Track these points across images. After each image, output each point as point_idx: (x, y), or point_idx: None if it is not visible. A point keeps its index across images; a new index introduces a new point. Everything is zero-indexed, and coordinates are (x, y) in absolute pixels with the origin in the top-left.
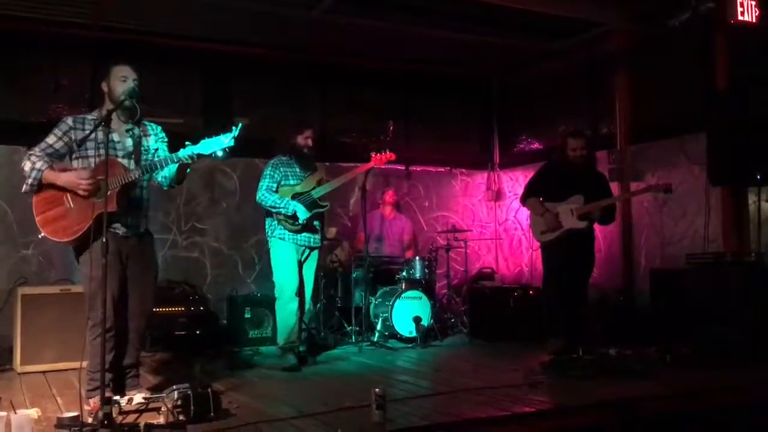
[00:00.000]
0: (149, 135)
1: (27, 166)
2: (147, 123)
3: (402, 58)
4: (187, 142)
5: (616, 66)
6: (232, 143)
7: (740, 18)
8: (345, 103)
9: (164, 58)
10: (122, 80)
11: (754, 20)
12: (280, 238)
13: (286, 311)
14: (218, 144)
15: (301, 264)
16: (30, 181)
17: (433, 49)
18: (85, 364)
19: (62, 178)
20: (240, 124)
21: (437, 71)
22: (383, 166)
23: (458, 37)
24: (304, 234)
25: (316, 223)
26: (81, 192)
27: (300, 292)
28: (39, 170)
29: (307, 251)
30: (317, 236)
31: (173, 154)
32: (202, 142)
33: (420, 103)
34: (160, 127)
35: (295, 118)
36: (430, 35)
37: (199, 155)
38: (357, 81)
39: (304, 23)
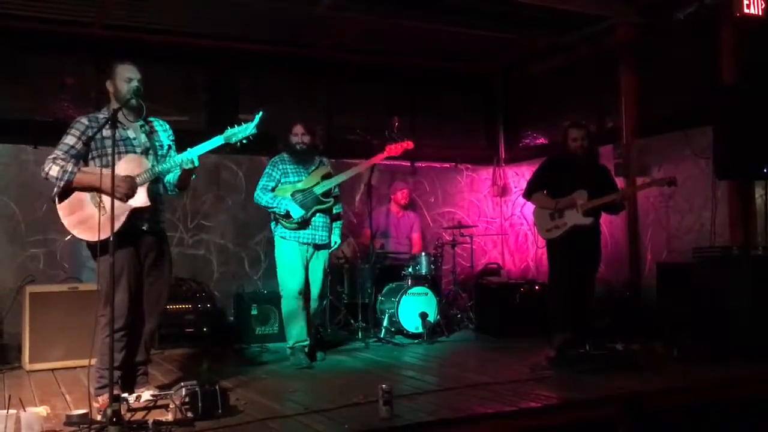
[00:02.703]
0: (157, 131)
1: (54, 170)
2: (154, 119)
3: (407, 54)
4: (219, 135)
5: (621, 60)
6: (255, 131)
7: (746, 11)
8: (350, 99)
9: (168, 56)
10: (127, 81)
11: (760, 13)
12: (282, 237)
13: (290, 310)
14: (243, 132)
15: (308, 262)
16: (62, 184)
17: (438, 45)
18: (94, 361)
19: (101, 182)
20: (261, 112)
21: (442, 67)
22: (389, 162)
23: (463, 32)
24: (306, 231)
25: (319, 220)
26: (118, 196)
27: (306, 290)
28: (71, 173)
29: (312, 249)
30: (323, 234)
31: (200, 146)
32: (227, 131)
33: (425, 99)
34: (167, 124)
35: (300, 114)
36: (435, 31)
37: (226, 144)
38: (362, 77)
39: (309, 19)
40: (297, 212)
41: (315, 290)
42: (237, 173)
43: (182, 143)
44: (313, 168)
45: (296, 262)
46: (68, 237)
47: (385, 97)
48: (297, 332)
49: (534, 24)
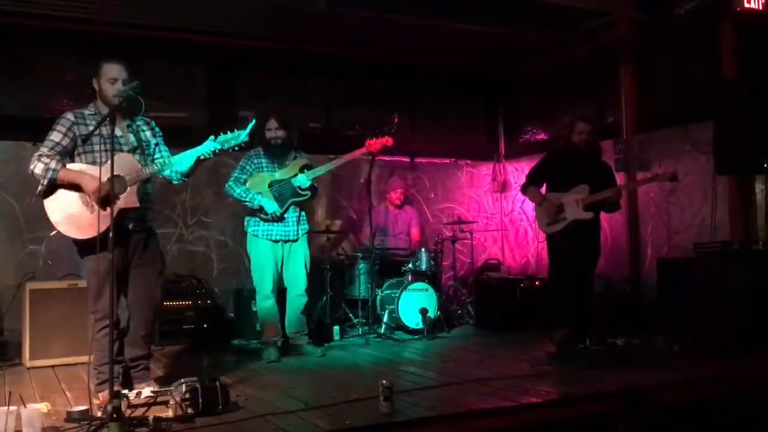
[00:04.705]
0: (143, 129)
1: (38, 168)
2: (139, 117)
3: (406, 50)
4: (211, 137)
5: (621, 55)
6: (247, 138)
7: (746, 5)
8: (349, 95)
9: (169, 53)
10: (111, 82)
11: (760, 7)
12: (254, 235)
13: (263, 308)
14: (235, 139)
15: (283, 259)
16: (45, 182)
17: (438, 41)
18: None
19: (84, 183)
20: (254, 120)
21: (442, 62)
22: (389, 158)
23: (463, 28)
24: (278, 228)
25: (293, 215)
26: (94, 199)
27: (280, 287)
28: (54, 170)
29: (287, 246)
30: (294, 228)
31: (194, 150)
32: (220, 137)
33: (425, 95)
34: (153, 121)
35: (300, 110)
36: (435, 26)
37: (218, 151)
38: (361, 73)
39: (309, 15)
40: (271, 207)
41: (300, 286)
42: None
43: (182, 139)
44: (290, 161)
45: (268, 261)
46: (53, 232)
47: (385, 93)
48: (269, 329)
49: (534, 20)
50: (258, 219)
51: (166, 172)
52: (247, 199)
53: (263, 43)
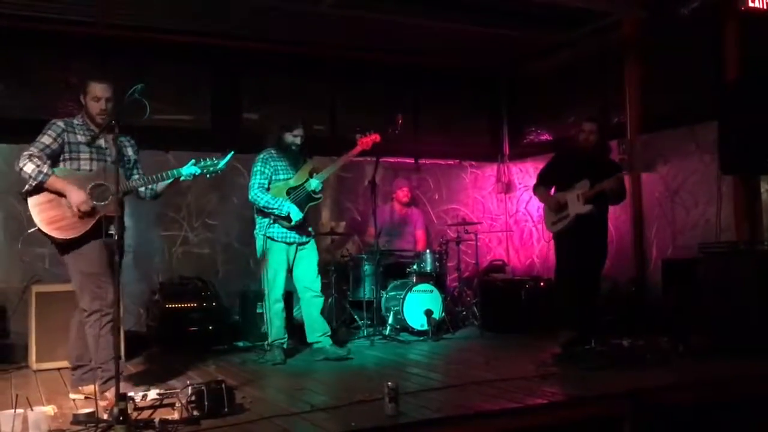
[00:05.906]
0: (127, 146)
1: (29, 167)
2: (123, 135)
3: (411, 51)
4: (192, 160)
5: (626, 55)
6: (224, 168)
7: (751, 4)
8: (353, 97)
9: (172, 55)
10: (95, 101)
11: (765, 7)
12: (270, 238)
13: (273, 311)
14: (214, 167)
15: (292, 262)
16: (34, 183)
17: (442, 42)
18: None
19: (70, 194)
20: (231, 152)
21: (446, 64)
22: (394, 160)
23: (467, 29)
24: (293, 232)
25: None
26: (76, 211)
27: (288, 290)
28: (47, 174)
29: (300, 247)
30: (305, 232)
31: (174, 171)
32: (201, 163)
33: (429, 96)
34: (133, 140)
35: (304, 113)
36: (439, 28)
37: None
38: (365, 75)
39: (312, 18)
40: (297, 215)
41: (316, 287)
42: (242, 172)
43: (185, 142)
44: (300, 165)
45: (282, 265)
46: (32, 230)
47: (389, 94)
48: (277, 330)
49: (538, 20)
50: (276, 223)
51: (142, 189)
52: (276, 206)
53: (267, 45)
